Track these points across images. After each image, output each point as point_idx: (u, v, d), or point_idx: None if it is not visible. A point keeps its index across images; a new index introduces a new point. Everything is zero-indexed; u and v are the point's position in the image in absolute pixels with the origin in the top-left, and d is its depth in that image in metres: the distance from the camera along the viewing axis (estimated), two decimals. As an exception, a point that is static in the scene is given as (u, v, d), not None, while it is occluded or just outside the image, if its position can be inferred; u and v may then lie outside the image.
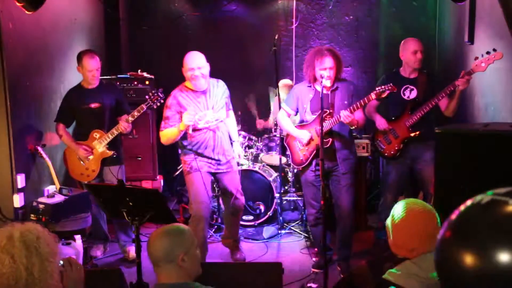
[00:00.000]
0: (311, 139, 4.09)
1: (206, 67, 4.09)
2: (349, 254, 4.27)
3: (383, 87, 3.85)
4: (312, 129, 4.07)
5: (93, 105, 4.44)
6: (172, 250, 2.05)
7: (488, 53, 3.72)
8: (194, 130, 4.04)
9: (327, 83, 3.90)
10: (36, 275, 1.75)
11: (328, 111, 3.99)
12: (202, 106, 4.14)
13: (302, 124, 4.18)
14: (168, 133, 4.12)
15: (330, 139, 4.02)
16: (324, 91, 3.91)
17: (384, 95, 3.87)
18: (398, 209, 2.05)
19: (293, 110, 4.23)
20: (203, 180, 4.15)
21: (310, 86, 4.09)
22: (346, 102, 4.01)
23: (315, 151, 4.06)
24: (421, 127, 4.21)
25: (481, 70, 3.80)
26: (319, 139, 3.84)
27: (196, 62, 4.04)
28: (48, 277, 1.80)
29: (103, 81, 4.63)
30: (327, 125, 3.93)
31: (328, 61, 3.90)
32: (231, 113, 4.52)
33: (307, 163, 4.14)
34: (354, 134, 4.46)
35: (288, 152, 4.40)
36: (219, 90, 4.25)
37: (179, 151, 4.36)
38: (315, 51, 4.04)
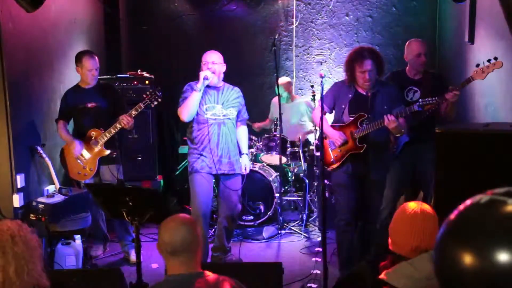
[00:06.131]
0: (345, 142, 3.94)
1: (220, 65, 4.21)
2: None
3: (427, 100, 3.78)
4: (348, 131, 3.92)
5: (89, 105, 4.45)
6: (193, 238, 2.03)
7: (489, 61, 3.73)
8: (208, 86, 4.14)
9: (365, 86, 3.83)
10: (11, 275, 1.77)
11: (366, 115, 3.87)
12: (212, 99, 4.20)
13: (338, 125, 4.01)
14: (188, 101, 4.10)
15: (365, 145, 3.88)
16: (363, 93, 3.87)
17: (426, 108, 3.82)
18: (399, 209, 2.06)
19: (329, 108, 4.04)
20: (204, 180, 4.19)
21: (350, 86, 3.93)
22: (386, 107, 3.85)
23: (348, 155, 3.92)
24: (421, 129, 4.21)
25: (480, 78, 3.80)
26: (353, 143, 3.85)
27: (212, 58, 4.19)
28: (26, 275, 1.80)
29: (100, 81, 4.64)
30: (364, 129, 3.84)
31: (367, 63, 3.77)
32: (244, 126, 4.50)
33: (337, 165, 3.99)
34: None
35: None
36: (233, 93, 4.31)
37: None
38: (354, 52, 3.89)
